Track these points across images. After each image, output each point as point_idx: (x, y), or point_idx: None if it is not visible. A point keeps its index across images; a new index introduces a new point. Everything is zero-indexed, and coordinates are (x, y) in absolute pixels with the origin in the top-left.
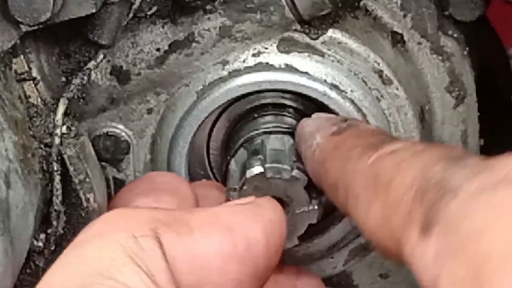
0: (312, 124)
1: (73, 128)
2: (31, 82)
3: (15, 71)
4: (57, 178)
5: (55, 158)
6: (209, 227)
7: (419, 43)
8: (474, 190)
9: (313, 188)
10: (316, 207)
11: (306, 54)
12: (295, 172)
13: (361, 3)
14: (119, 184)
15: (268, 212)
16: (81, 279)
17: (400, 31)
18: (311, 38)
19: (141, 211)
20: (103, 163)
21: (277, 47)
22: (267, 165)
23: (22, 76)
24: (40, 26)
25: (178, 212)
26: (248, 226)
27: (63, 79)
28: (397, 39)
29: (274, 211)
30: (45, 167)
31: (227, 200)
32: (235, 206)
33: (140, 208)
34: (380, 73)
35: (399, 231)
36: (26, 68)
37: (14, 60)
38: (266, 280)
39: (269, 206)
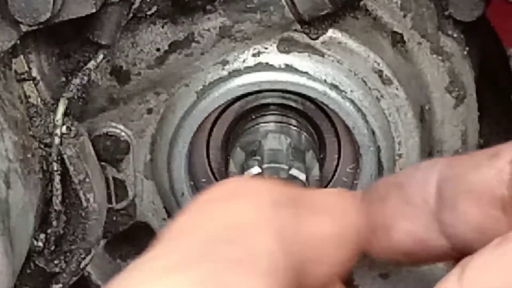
0: None
1: (73, 128)
2: (31, 82)
3: (15, 71)
4: (57, 178)
5: (55, 158)
6: (319, 209)
7: (419, 43)
8: None
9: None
10: None
11: (306, 54)
12: (293, 171)
13: (361, 3)
14: (119, 184)
15: (354, 208)
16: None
17: (400, 31)
18: (311, 38)
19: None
20: (103, 163)
21: (277, 47)
22: (264, 166)
23: (22, 76)
24: (40, 26)
25: (295, 192)
26: (341, 215)
27: (63, 79)
28: (397, 39)
29: (357, 210)
30: (45, 167)
31: None
32: (333, 193)
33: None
34: (380, 73)
35: None
36: (26, 68)
37: (14, 60)
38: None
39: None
